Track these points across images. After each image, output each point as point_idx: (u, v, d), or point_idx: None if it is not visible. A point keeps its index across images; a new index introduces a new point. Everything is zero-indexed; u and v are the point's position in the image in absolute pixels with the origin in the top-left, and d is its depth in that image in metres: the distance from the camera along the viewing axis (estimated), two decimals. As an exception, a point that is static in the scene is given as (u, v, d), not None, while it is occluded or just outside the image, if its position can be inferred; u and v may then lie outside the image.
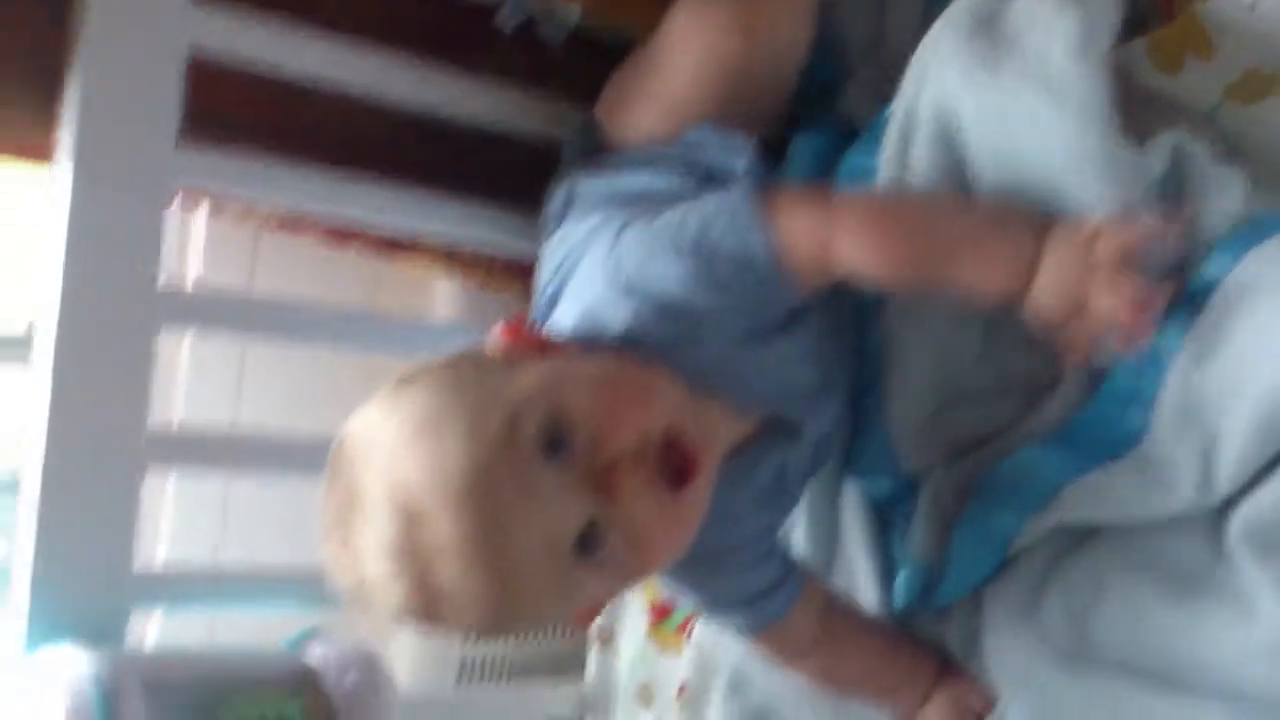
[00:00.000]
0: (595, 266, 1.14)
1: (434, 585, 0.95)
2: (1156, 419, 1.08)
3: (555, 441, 0.96)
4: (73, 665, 1.15)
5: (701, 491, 1.04)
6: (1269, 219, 1.04)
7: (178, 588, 1.38)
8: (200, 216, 1.77)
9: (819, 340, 1.17)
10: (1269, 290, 1.01)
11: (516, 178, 1.55)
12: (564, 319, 1.14)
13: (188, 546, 1.76)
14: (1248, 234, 1.04)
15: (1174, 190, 1.08)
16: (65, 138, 1.25)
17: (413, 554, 0.94)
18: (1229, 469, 1.04)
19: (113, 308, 1.26)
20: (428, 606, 0.97)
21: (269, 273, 1.81)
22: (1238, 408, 1.02)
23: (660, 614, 1.59)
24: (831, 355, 1.21)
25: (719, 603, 1.25)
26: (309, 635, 1.34)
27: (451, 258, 1.67)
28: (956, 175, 1.15)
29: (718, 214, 1.10)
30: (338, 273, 1.78)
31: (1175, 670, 1.07)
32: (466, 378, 1.00)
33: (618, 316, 1.09)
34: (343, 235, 1.59)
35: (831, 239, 1.09)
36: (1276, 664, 1.01)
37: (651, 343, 1.07)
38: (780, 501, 1.24)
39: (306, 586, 1.41)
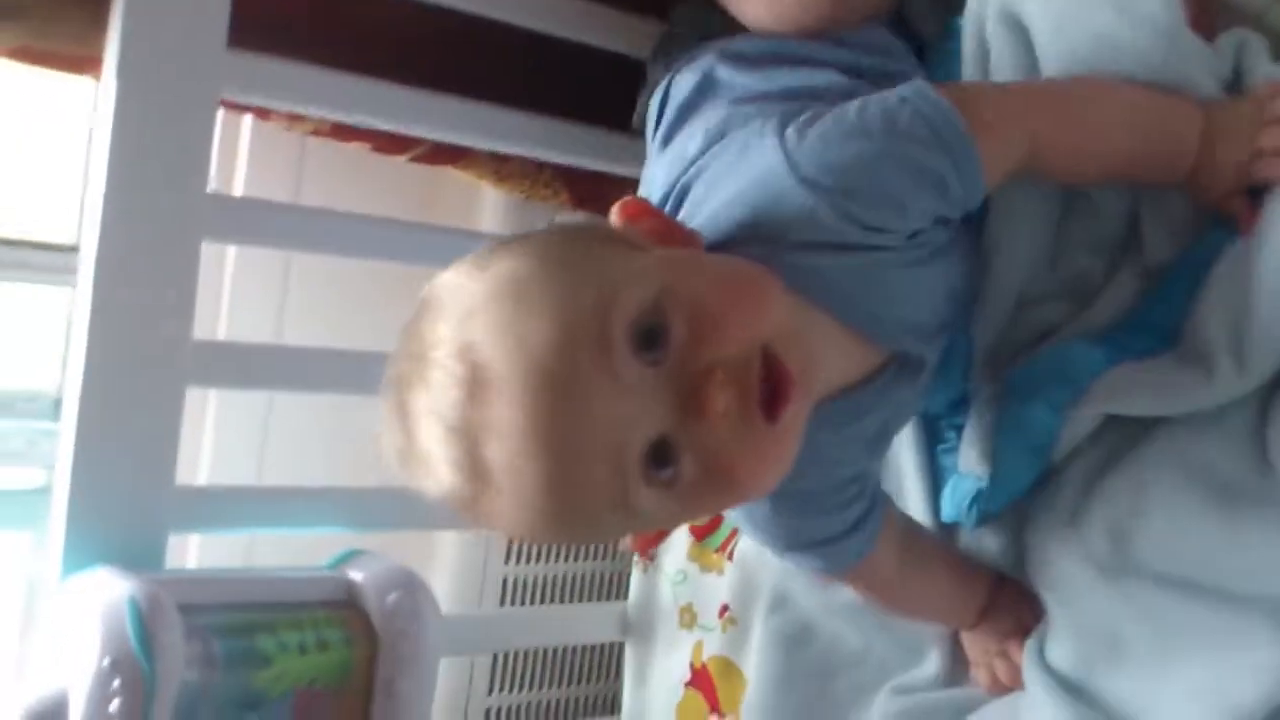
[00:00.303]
0: (753, 160, 1.03)
1: (482, 466, 0.85)
2: (1197, 312, 1.09)
3: (650, 334, 0.85)
4: (108, 589, 1.14)
5: (797, 425, 0.93)
6: None
7: (217, 507, 1.38)
8: (245, 124, 1.76)
9: (957, 274, 1.13)
10: None
11: (573, 88, 1.54)
12: (699, 211, 1.05)
13: (229, 470, 1.76)
14: None
15: (1235, 87, 1.12)
16: (111, 43, 1.22)
17: (466, 426, 0.85)
18: (1261, 350, 1.04)
19: (157, 216, 1.24)
20: (473, 491, 0.87)
21: (315, 183, 1.79)
22: (1267, 292, 1.03)
23: (701, 534, 1.59)
24: (963, 293, 1.15)
25: (796, 543, 1.18)
26: (350, 556, 1.33)
27: (499, 168, 1.65)
28: None
29: (904, 101, 1.02)
30: (384, 183, 1.77)
31: (1218, 580, 1.07)
32: (571, 248, 0.91)
33: (783, 210, 0.99)
34: (392, 143, 1.56)
35: (1016, 119, 1.06)
36: None
37: (794, 251, 0.99)
38: (879, 446, 1.19)
39: (348, 506, 1.40)
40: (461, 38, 1.50)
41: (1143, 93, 1.11)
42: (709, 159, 1.08)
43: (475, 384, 0.84)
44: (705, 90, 1.19)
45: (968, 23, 1.21)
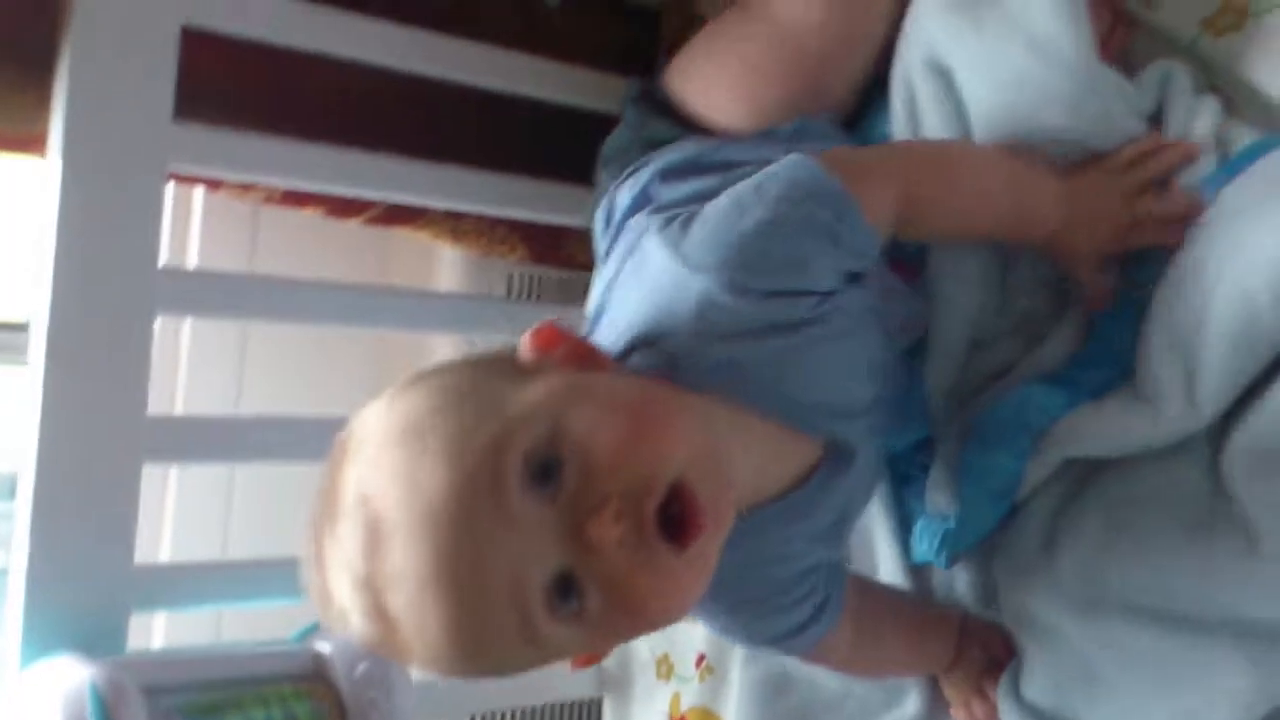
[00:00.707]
0: (646, 265, 1.05)
1: (389, 616, 0.85)
2: (1142, 351, 1.10)
3: (545, 470, 0.85)
4: (69, 675, 1.12)
5: (709, 550, 0.91)
6: (1241, 155, 1.10)
7: (178, 584, 1.36)
8: (197, 195, 1.76)
9: (876, 345, 1.12)
10: (1238, 217, 1.06)
11: (527, 142, 1.54)
12: (613, 327, 1.06)
13: (193, 545, 1.75)
14: (1222, 172, 1.10)
15: (1158, 121, 1.16)
16: (56, 122, 1.22)
17: (370, 577, 0.85)
18: (1209, 387, 1.06)
19: (108, 293, 1.23)
20: (384, 638, 0.87)
21: (270, 251, 1.79)
22: (1210, 327, 1.05)
23: (676, 585, 1.57)
24: (886, 365, 1.14)
25: (758, 641, 1.19)
26: (317, 628, 1.31)
27: (455, 226, 1.64)
28: (965, 132, 1.20)
29: (771, 173, 1.03)
30: (340, 247, 1.76)
31: (1186, 609, 1.08)
32: (471, 384, 0.90)
33: (676, 304, 1.00)
34: (345, 207, 1.57)
35: (892, 168, 1.10)
36: (1272, 590, 1.03)
37: (708, 345, 0.99)
38: (838, 536, 1.18)
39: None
40: (411, 97, 1.50)
41: (1008, 158, 1.15)
42: (626, 270, 1.09)
43: (373, 534, 0.84)
44: (641, 206, 1.19)
45: (896, 75, 1.24)
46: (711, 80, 1.30)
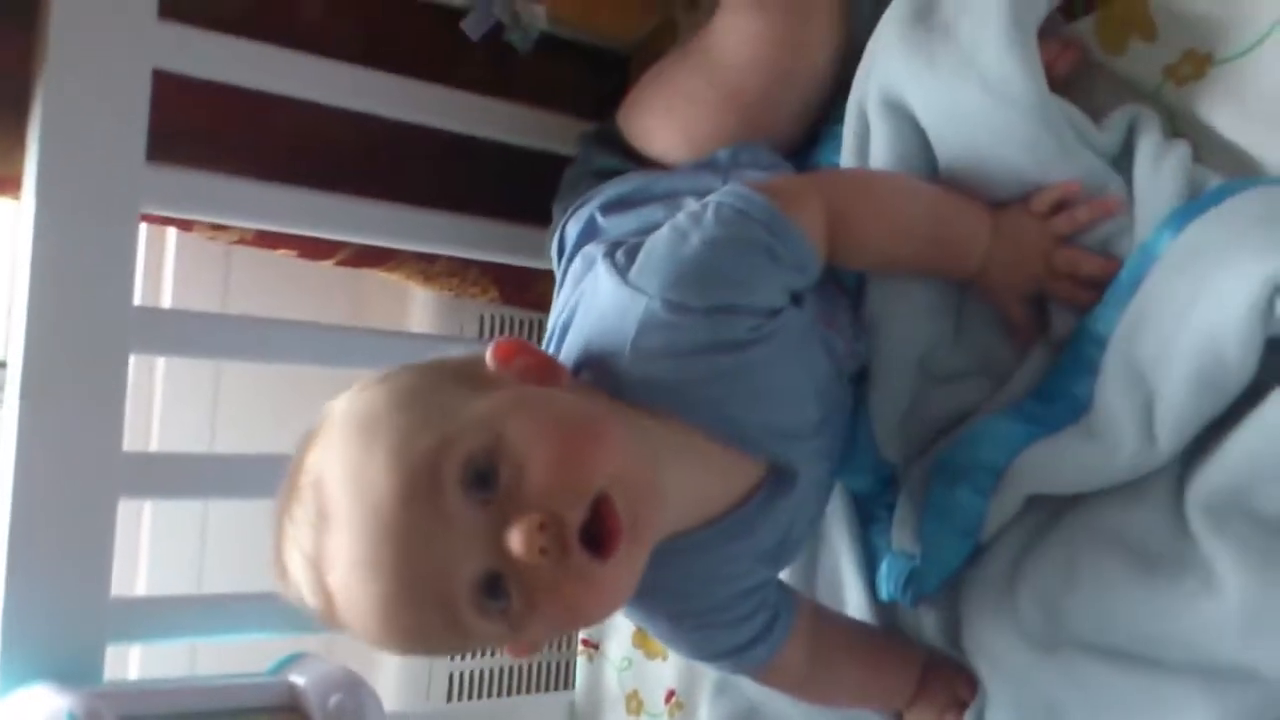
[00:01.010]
0: (597, 289, 1.08)
1: (327, 592, 0.92)
2: (1100, 385, 1.10)
3: (482, 476, 0.90)
4: (46, 705, 1.14)
5: (632, 562, 0.96)
6: (1209, 195, 1.08)
7: (154, 617, 1.37)
8: (170, 236, 1.77)
9: (823, 374, 1.15)
10: (1203, 255, 1.05)
11: (496, 185, 1.55)
12: (565, 351, 1.10)
13: (168, 579, 1.75)
14: (1189, 209, 1.08)
15: (1125, 164, 1.14)
16: (30, 163, 1.23)
17: (314, 555, 0.92)
18: (1167, 425, 1.05)
19: (82, 332, 1.25)
20: (326, 611, 0.94)
21: (243, 291, 1.80)
22: (1172, 365, 1.04)
23: (644, 621, 1.58)
24: (832, 397, 1.18)
25: (701, 654, 1.22)
26: (292, 660, 1.33)
27: (426, 268, 1.66)
28: (915, 166, 1.20)
29: (707, 202, 1.07)
30: (312, 288, 1.78)
31: (1148, 649, 1.07)
32: (429, 387, 0.96)
33: (623, 325, 1.03)
34: (317, 248, 1.58)
35: (822, 191, 1.12)
36: (1243, 634, 1.01)
37: (652, 363, 1.03)
38: (782, 556, 1.21)
39: (288, 609, 1.40)
40: (383, 140, 1.52)
41: (939, 191, 1.17)
42: (578, 295, 1.13)
43: (320, 517, 0.91)
44: (588, 237, 1.24)
45: (851, 108, 1.24)
46: (652, 114, 1.34)
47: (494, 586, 0.90)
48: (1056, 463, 1.12)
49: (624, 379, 1.03)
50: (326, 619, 0.95)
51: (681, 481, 1.04)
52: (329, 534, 0.90)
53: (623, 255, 1.07)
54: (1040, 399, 1.16)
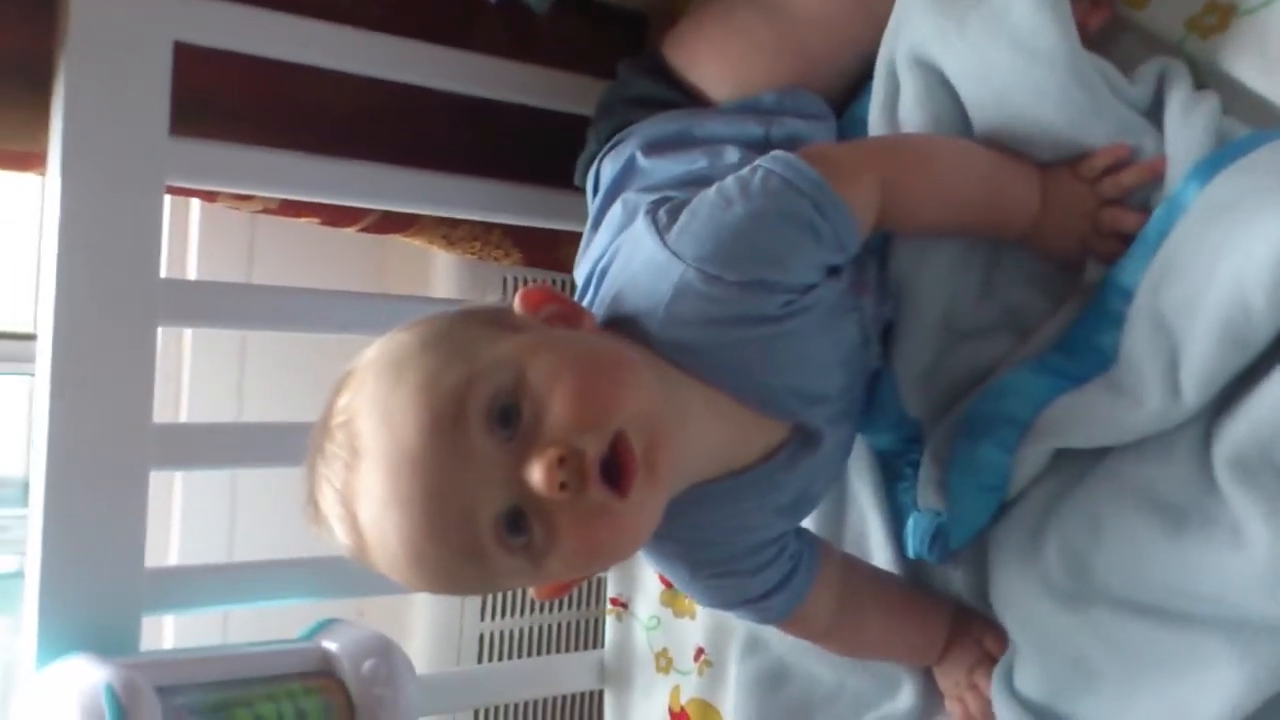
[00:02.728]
0: (637, 243, 1.08)
1: (359, 528, 0.95)
2: (1125, 337, 1.10)
3: (505, 414, 0.92)
4: (84, 676, 1.15)
5: (652, 502, 0.97)
6: (1236, 144, 1.08)
7: (188, 586, 1.38)
8: (194, 208, 1.77)
9: (849, 343, 1.15)
10: (1231, 206, 1.04)
11: (518, 148, 1.55)
12: (605, 296, 1.10)
13: (201, 549, 1.76)
14: (1216, 159, 1.08)
15: (1156, 117, 1.13)
16: (55, 139, 1.24)
17: (346, 492, 0.94)
18: (1193, 378, 1.04)
19: (110, 304, 1.25)
20: (357, 547, 0.96)
21: (267, 260, 1.80)
22: (1198, 318, 1.03)
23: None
24: (857, 364, 1.18)
25: (720, 602, 1.23)
26: (324, 626, 1.34)
27: (448, 233, 1.66)
28: (946, 124, 1.19)
29: (756, 167, 1.06)
30: (336, 254, 1.78)
31: (1175, 603, 1.08)
32: (455, 331, 0.98)
33: (658, 287, 1.04)
34: (340, 215, 1.58)
35: (874, 164, 1.11)
36: (1270, 589, 1.01)
37: (683, 328, 1.03)
38: (798, 511, 1.22)
39: (319, 576, 1.41)
40: (403, 106, 1.51)
41: (995, 158, 1.16)
42: (618, 245, 1.13)
43: (351, 454, 0.93)
44: (626, 177, 1.24)
45: (880, 66, 1.23)
46: (707, 45, 1.33)
47: (516, 522, 0.92)
48: (1082, 416, 1.12)
49: (655, 338, 1.04)
50: (358, 556, 0.97)
51: (704, 432, 1.06)
52: (359, 471, 0.93)
53: (665, 215, 1.07)
54: (1064, 351, 1.16)
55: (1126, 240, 1.12)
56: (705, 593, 1.23)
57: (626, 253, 1.10)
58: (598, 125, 1.35)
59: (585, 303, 1.13)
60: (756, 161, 1.07)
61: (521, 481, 0.91)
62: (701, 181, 1.11)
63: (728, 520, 1.13)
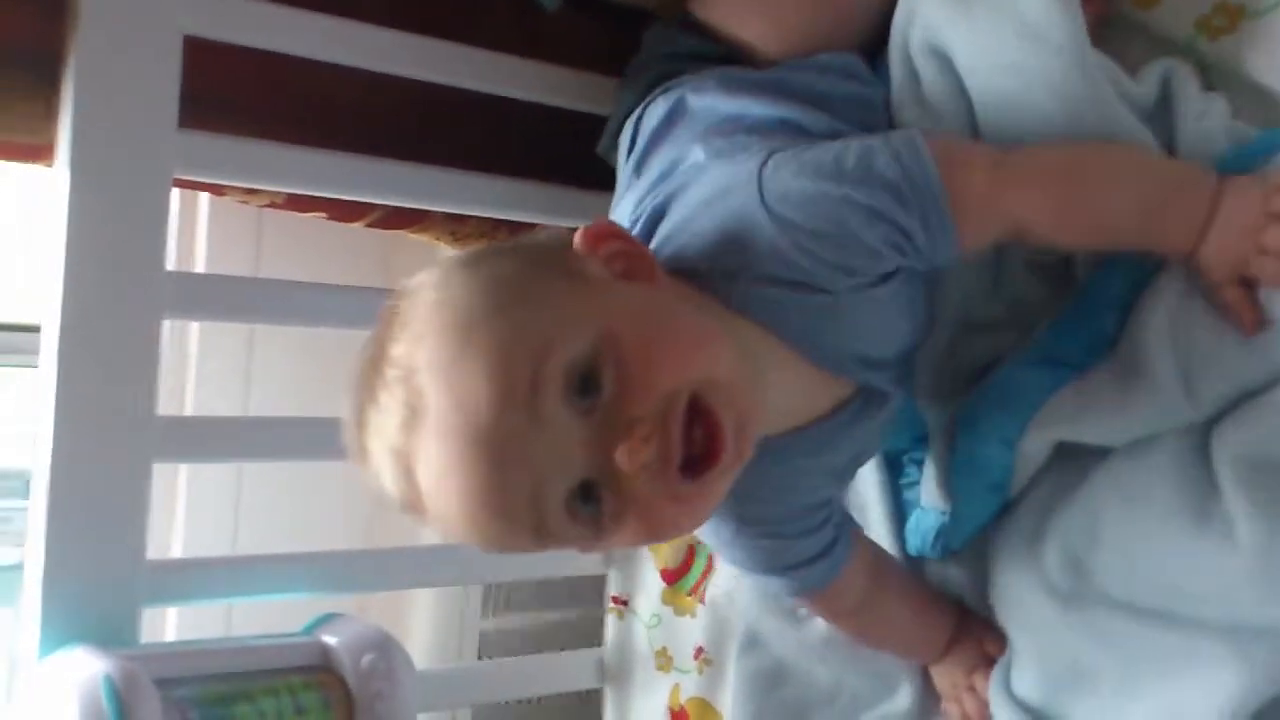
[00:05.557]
0: (730, 190, 1.03)
1: (414, 486, 0.91)
2: (1132, 324, 1.09)
3: (584, 382, 0.88)
4: (84, 667, 1.15)
5: (726, 480, 0.95)
6: (1254, 144, 1.09)
7: (189, 579, 1.38)
8: (203, 201, 1.77)
9: (919, 306, 1.13)
10: None
11: (527, 145, 1.55)
12: (673, 236, 1.05)
13: (204, 542, 1.77)
14: (1233, 159, 1.08)
15: (1163, 117, 1.12)
16: (63, 131, 1.24)
17: (402, 449, 0.90)
18: (1211, 377, 1.06)
19: (116, 297, 1.25)
20: (409, 502, 0.93)
21: (275, 254, 1.80)
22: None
23: (673, 578, 1.60)
24: (924, 324, 1.16)
25: (763, 566, 1.21)
26: (325, 620, 1.34)
27: (455, 229, 1.66)
28: (970, 112, 1.17)
29: (888, 147, 1.02)
30: (343, 249, 1.78)
31: (1172, 605, 1.08)
32: (523, 283, 0.92)
33: (752, 241, 1.00)
34: (348, 210, 1.58)
35: (1006, 190, 1.04)
36: (1258, 588, 1.02)
37: (757, 285, 1.01)
38: (848, 475, 1.23)
39: (321, 570, 1.42)
40: (411, 101, 1.51)
41: (1162, 171, 1.10)
42: (681, 185, 1.09)
43: (411, 412, 0.88)
44: (676, 117, 1.20)
45: (893, 52, 1.22)
46: (742, 2, 1.28)
47: (587, 494, 0.90)
48: (1085, 406, 1.12)
49: (733, 291, 1.01)
50: (409, 508, 0.94)
51: (775, 390, 1.03)
52: (421, 432, 0.88)
53: (772, 166, 1.02)
54: (1058, 333, 1.16)
55: None
56: (746, 552, 1.20)
57: (707, 196, 1.05)
58: (633, 81, 1.31)
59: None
60: (892, 139, 1.04)
61: (599, 456, 0.88)
62: (785, 129, 1.11)
63: (784, 478, 1.11)
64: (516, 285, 0.92)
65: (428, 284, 0.94)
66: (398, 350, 0.91)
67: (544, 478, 0.88)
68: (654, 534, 0.96)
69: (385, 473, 0.93)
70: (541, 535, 0.92)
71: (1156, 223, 1.06)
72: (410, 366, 0.89)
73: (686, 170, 1.10)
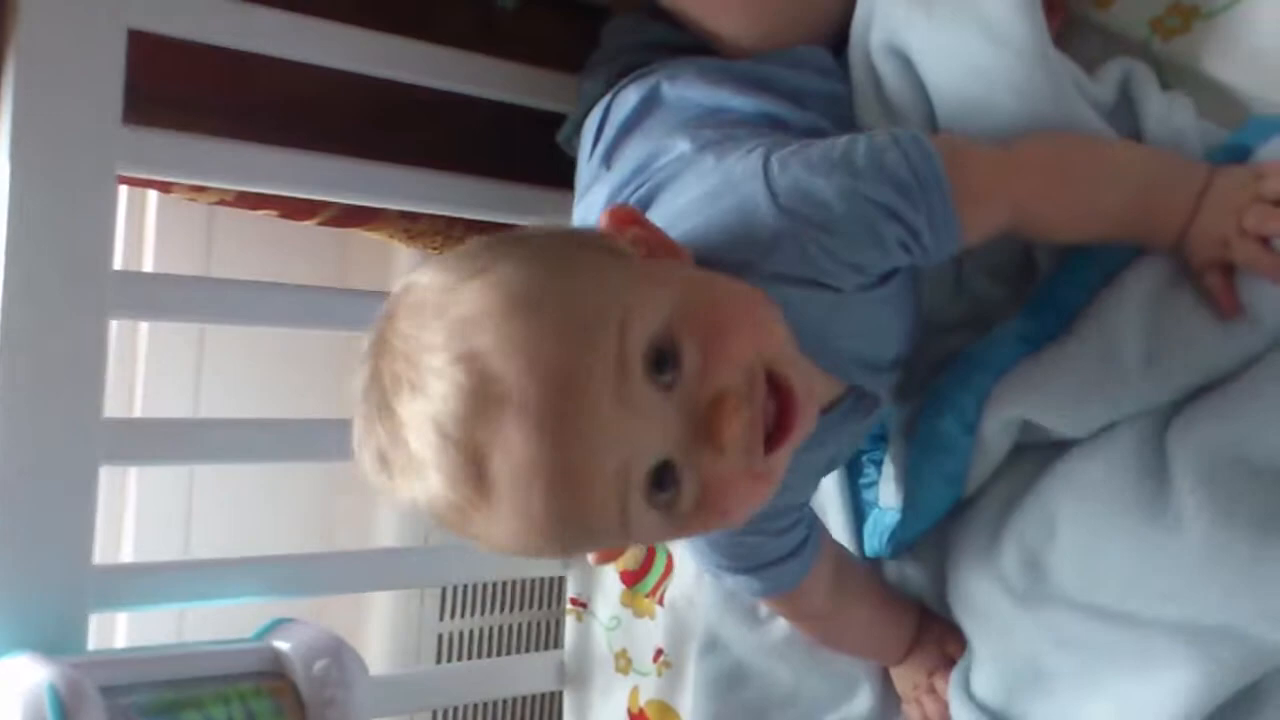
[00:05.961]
0: (733, 184, 1.01)
1: (485, 480, 0.83)
2: (1104, 300, 1.10)
3: (663, 357, 0.84)
4: (28, 675, 1.13)
5: (788, 452, 0.92)
6: (1228, 145, 1.09)
7: (137, 584, 1.36)
8: (151, 199, 1.75)
9: (911, 310, 1.13)
10: None
11: (475, 143, 1.54)
12: (668, 228, 1.00)
13: (155, 546, 1.75)
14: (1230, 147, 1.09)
15: (1125, 116, 1.13)
16: (3, 126, 1.21)
17: (470, 439, 0.82)
18: (1177, 357, 1.06)
19: (60, 297, 1.23)
20: (469, 501, 0.85)
21: (225, 253, 1.79)
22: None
23: (632, 580, 1.60)
24: (915, 328, 1.16)
25: (734, 565, 1.19)
26: (277, 625, 1.33)
27: (409, 227, 1.65)
28: (931, 113, 1.17)
29: (895, 144, 1.01)
30: (295, 248, 1.77)
31: (1129, 603, 1.08)
32: (574, 257, 0.88)
33: (758, 237, 0.98)
34: (300, 208, 1.56)
35: (1008, 182, 1.05)
36: (1204, 578, 1.03)
37: (771, 278, 0.97)
38: (824, 473, 1.22)
39: (274, 574, 1.40)
40: (365, 98, 1.50)
41: (1156, 164, 1.10)
42: (669, 176, 1.07)
43: (482, 398, 0.82)
44: (649, 107, 1.19)
45: (853, 52, 1.21)
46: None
47: (664, 477, 0.86)
48: (1041, 380, 1.12)
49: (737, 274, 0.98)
50: (463, 511, 0.86)
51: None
52: (494, 418, 0.81)
53: (777, 161, 1.01)
54: (1029, 313, 1.16)
55: (1268, 245, 1.03)
56: (728, 549, 1.17)
57: (703, 188, 1.03)
58: (598, 70, 1.29)
59: None
60: (898, 135, 1.03)
61: (682, 435, 0.85)
62: (772, 123, 1.11)
63: None
64: (570, 258, 0.88)
65: (447, 274, 0.87)
66: (436, 339, 0.84)
67: (631, 461, 0.84)
68: (728, 516, 0.91)
69: (439, 474, 0.85)
70: (621, 522, 0.86)
71: (1156, 206, 1.07)
72: (467, 350, 0.82)
73: (672, 162, 1.08)
